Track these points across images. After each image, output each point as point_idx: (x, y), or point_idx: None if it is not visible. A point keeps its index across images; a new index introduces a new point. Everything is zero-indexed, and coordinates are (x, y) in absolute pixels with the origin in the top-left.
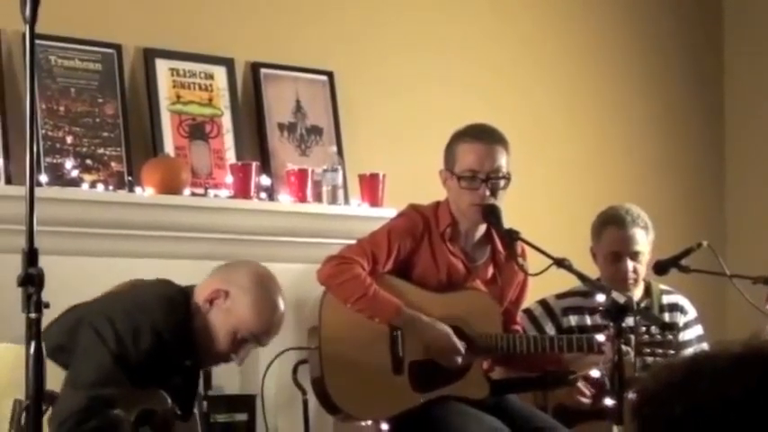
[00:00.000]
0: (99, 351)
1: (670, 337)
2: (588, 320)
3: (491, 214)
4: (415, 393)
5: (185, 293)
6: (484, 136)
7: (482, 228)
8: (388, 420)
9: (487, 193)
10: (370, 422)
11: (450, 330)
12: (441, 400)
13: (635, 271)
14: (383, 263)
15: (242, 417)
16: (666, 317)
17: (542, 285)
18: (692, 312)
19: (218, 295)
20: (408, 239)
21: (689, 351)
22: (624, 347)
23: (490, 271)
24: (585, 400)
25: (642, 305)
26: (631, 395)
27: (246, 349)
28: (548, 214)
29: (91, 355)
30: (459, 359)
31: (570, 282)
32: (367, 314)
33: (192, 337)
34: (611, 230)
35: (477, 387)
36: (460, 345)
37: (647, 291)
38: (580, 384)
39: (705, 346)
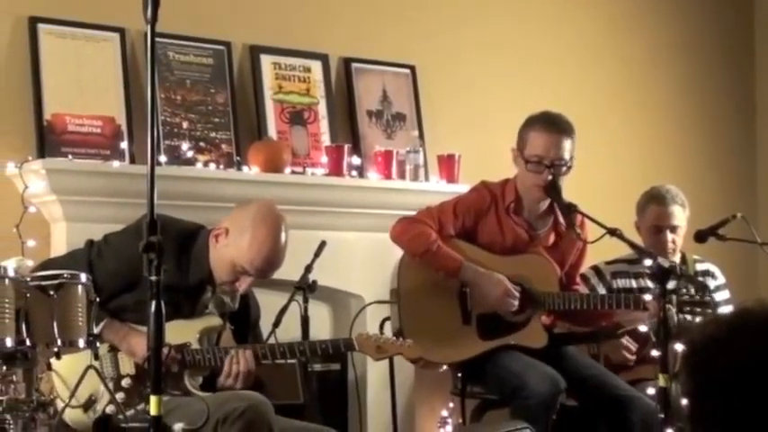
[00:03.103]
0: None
1: (708, 298)
2: (634, 283)
3: (552, 189)
4: (481, 341)
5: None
6: (553, 127)
7: (545, 202)
8: (459, 364)
9: (549, 177)
10: (445, 367)
11: (504, 278)
12: (504, 349)
13: (673, 242)
14: (447, 227)
15: (336, 366)
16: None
17: (594, 252)
18: (721, 278)
19: (220, 232)
20: (473, 212)
21: (729, 308)
22: (667, 305)
23: (551, 239)
24: (630, 357)
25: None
26: (680, 347)
27: (246, 281)
28: (601, 190)
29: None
30: (516, 302)
31: (619, 250)
32: (432, 267)
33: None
34: (653, 207)
35: (536, 337)
36: (514, 289)
37: (683, 259)
38: (625, 341)
39: (731, 308)
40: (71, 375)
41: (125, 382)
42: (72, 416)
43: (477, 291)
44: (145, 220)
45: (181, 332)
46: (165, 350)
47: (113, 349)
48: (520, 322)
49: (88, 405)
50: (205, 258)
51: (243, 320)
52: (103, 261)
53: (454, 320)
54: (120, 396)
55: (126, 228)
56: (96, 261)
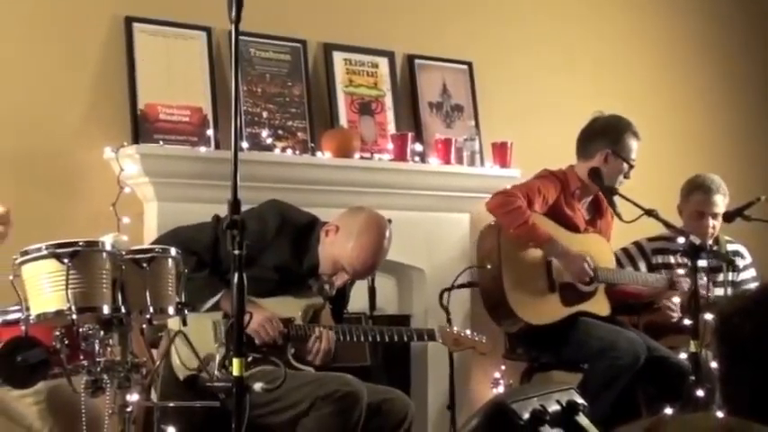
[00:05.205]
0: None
1: (733, 273)
2: (672, 259)
3: (596, 176)
4: (563, 307)
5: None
6: (638, 134)
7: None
8: (547, 327)
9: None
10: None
11: (585, 256)
12: (579, 318)
13: (713, 227)
14: (533, 204)
15: None
16: None
17: (632, 230)
18: (749, 258)
19: (331, 229)
20: (552, 191)
21: (749, 287)
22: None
23: (598, 223)
24: (675, 315)
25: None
26: (711, 317)
27: (342, 277)
28: (641, 174)
29: None
30: (588, 278)
31: (655, 229)
32: (524, 239)
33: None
34: (698, 195)
35: (603, 306)
36: (590, 268)
37: (716, 240)
38: (669, 303)
39: (757, 285)
40: (192, 338)
41: None
42: (186, 376)
43: (561, 263)
44: (269, 206)
45: (287, 307)
46: (268, 319)
47: (228, 317)
48: (590, 292)
49: (203, 366)
50: (317, 249)
51: (338, 304)
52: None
53: (543, 286)
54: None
55: (250, 209)
56: (222, 236)
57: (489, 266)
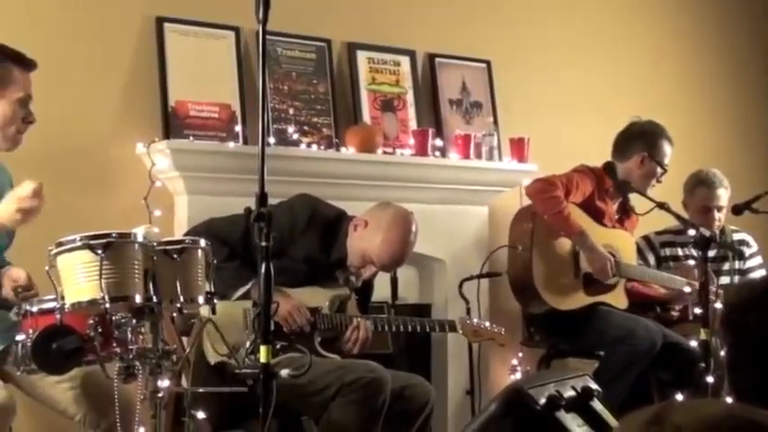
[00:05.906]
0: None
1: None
2: (680, 252)
3: (610, 170)
4: (584, 296)
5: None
6: (672, 140)
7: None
8: (567, 314)
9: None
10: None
11: (610, 257)
12: (598, 307)
13: (719, 219)
14: (569, 196)
15: None
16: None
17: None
18: (755, 246)
19: (359, 223)
20: (588, 185)
21: (756, 274)
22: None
23: (626, 222)
24: (674, 313)
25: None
26: (719, 306)
27: (370, 270)
28: None
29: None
30: (611, 275)
31: (665, 221)
32: (556, 227)
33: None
34: (702, 190)
35: (621, 299)
36: (612, 269)
37: (722, 230)
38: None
39: (764, 271)
40: (223, 325)
41: None
42: (217, 361)
43: (586, 257)
44: (300, 200)
45: (315, 297)
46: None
47: (257, 306)
48: (612, 285)
49: (232, 353)
50: (344, 242)
51: (362, 296)
52: None
53: (569, 273)
54: None
55: (281, 203)
56: (253, 228)
57: (521, 249)
